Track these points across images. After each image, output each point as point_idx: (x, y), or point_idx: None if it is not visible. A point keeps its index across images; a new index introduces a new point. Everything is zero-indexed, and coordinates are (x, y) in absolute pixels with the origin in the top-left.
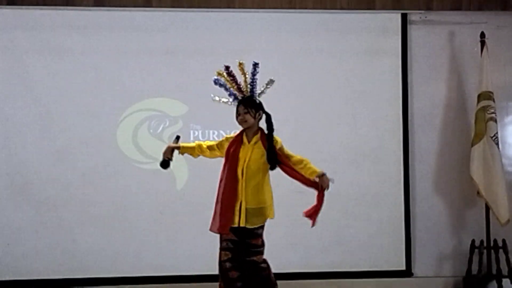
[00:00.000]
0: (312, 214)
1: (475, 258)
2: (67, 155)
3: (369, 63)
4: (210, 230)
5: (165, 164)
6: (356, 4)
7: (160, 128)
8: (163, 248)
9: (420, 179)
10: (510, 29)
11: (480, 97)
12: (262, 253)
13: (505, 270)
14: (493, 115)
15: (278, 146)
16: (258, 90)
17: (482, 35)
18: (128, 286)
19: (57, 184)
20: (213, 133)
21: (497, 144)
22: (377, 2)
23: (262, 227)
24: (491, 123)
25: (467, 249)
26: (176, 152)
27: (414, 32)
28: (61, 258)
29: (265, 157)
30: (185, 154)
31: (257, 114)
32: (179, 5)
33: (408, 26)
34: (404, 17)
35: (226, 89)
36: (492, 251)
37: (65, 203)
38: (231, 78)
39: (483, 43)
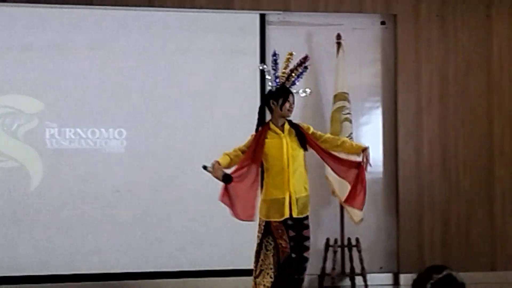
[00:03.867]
0: (359, 200)
1: (330, 256)
2: None
3: (229, 63)
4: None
5: (226, 179)
6: (214, 3)
7: (15, 126)
8: (17, 248)
9: None
10: (365, 31)
11: (336, 97)
12: (309, 248)
13: (358, 268)
14: (348, 115)
15: (310, 131)
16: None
17: (338, 36)
18: None
19: None
20: (70, 131)
21: None
22: (236, 2)
23: (308, 217)
24: (346, 123)
25: (322, 248)
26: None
27: (272, 33)
28: None
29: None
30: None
31: None
32: (35, 0)
33: (267, 27)
34: (262, 18)
35: (274, 69)
36: (346, 249)
37: None
38: (298, 65)
39: (339, 45)
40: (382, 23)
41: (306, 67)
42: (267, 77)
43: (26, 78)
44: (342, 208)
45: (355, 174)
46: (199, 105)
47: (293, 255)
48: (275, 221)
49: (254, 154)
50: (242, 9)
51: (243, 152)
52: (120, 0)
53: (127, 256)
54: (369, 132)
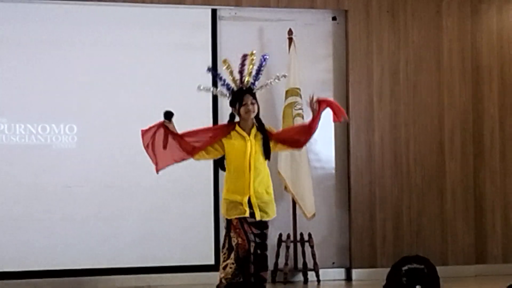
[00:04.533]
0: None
1: (282, 252)
2: None
3: (181, 58)
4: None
5: (167, 115)
6: None
7: None
8: None
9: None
10: (317, 26)
11: (288, 93)
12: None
13: (310, 263)
14: (300, 111)
15: (273, 130)
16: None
17: (290, 32)
18: None
19: None
20: (20, 127)
21: None
22: None
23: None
24: (298, 119)
25: (275, 243)
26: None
27: (224, 28)
28: None
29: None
30: None
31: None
32: None
33: (218, 22)
34: (214, 13)
35: (221, 80)
36: (299, 244)
37: None
38: (241, 66)
39: (290, 40)
40: (334, 18)
41: (260, 65)
42: (220, 90)
43: None
44: (294, 204)
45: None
46: (151, 100)
47: (259, 251)
48: (234, 219)
49: (212, 132)
50: (194, 4)
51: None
52: None
53: (79, 252)
54: (321, 128)
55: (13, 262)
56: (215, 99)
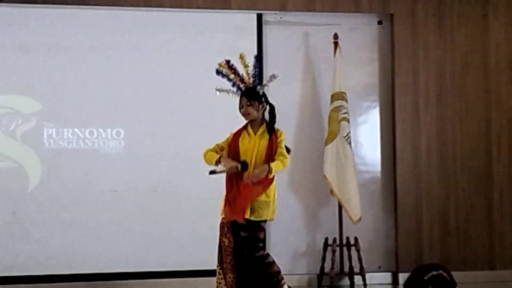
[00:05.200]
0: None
1: (329, 256)
2: None
3: None
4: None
5: (244, 166)
6: (212, 3)
7: (13, 126)
8: (15, 249)
9: (275, 178)
10: (362, 30)
11: (333, 97)
12: (263, 248)
13: (357, 267)
14: (346, 115)
15: (279, 140)
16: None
17: (335, 36)
18: None
19: None
20: (68, 131)
21: (350, 143)
22: (233, 2)
23: (265, 221)
24: (344, 123)
25: (321, 247)
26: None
27: (269, 32)
28: None
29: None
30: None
31: (260, 106)
32: (33, 0)
33: (264, 26)
34: (259, 17)
35: (229, 80)
36: (345, 248)
37: None
38: (233, 70)
39: (336, 44)
40: (379, 22)
41: (255, 66)
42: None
43: (24, 79)
44: (340, 208)
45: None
46: (197, 105)
47: (245, 252)
48: (223, 218)
49: (230, 151)
50: (239, 9)
51: (221, 149)
52: (118, 0)
53: (125, 256)
54: (367, 132)
55: (61, 266)
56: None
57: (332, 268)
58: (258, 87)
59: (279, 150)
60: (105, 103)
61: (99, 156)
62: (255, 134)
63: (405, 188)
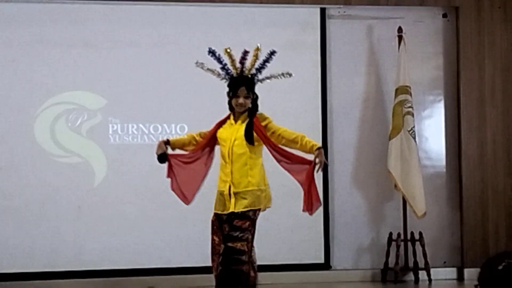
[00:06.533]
0: (310, 204)
1: (393, 251)
2: None
3: (290, 57)
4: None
5: (160, 158)
6: None
7: (79, 122)
8: (81, 243)
9: (338, 173)
10: (426, 24)
11: (398, 91)
12: (243, 240)
13: (421, 262)
14: (410, 109)
15: (265, 123)
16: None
17: (400, 30)
18: (44, 281)
19: None
20: (132, 127)
21: (414, 138)
22: None
23: (254, 211)
24: (408, 117)
25: (385, 242)
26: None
27: (333, 27)
28: None
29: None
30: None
31: (254, 97)
32: None
33: (327, 21)
34: (323, 12)
35: (220, 62)
36: (409, 243)
37: None
38: (242, 57)
39: (400, 38)
40: (444, 15)
41: (267, 60)
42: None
43: (89, 75)
44: (404, 202)
45: (305, 174)
46: (260, 100)
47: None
48: (214, 215)
49: (207, 141)
50: (303, 3)
51: (202, 137)
52: None
53: (191, 250)
54: (431, 126)
55: (126, 260)
56: (324, 95)
57: (397, 263)
58: (256, 77)
59: (282, 129)
60: (170, 98)
61: None
62: (235, 122)
63: (470, 182)
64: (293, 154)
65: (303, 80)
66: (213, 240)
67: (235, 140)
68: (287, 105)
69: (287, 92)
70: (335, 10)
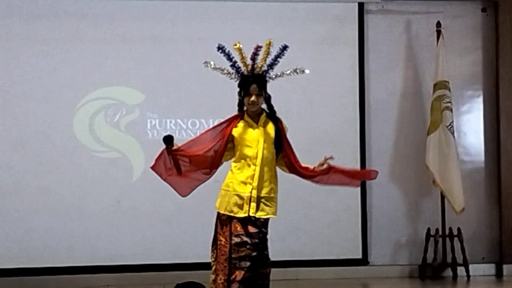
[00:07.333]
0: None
1: (431, 247)
2: (23, 143)
3: (327, 52)
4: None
5: (167, 140)
6: None
7: (117, 117)
8: (120, 238)
9: (376, 168)
10: (465, 19)
11: (436, 86)
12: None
13: (460, 258)
14: (449, 104)
15: (286, 130)
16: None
17: (438, 24)
18: (85, 275)
19: (13, 173)
20: (170, 122)
21: (453, 133)
22: None
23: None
24: (446, 112)
25: (423, 238)
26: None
27: (371, 22)
28: (16, 247)
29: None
30: None
31: (266, 96)
32: None
33: (365, 16)
34: (361, 7)
35: (230, 59)
36: (447, 239)
37: (20, 192)
38: (253, 53)
39: (439, 33)
40: (483, 10)
41: (279, 56)
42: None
43: (128, 70)
44: (443, 198)
45: (331, 171)
46: (297, 95)
47: (255, 254)
48: (223, 215)
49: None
50: None
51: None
52: None
53: None
54: (470, 121)
55: (164, 255)
56: (361, 90)
57: (435, 259)
58: (268, 75)
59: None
60: (207, 93)
61: None
62: (257, 123)
63: (509, 177)
64: (308, 167)
65: (341, 75)
66: (219, 240)
67: (264, 142)
68: (325, 100)
69: (325, 88)
70: (373, 5)
